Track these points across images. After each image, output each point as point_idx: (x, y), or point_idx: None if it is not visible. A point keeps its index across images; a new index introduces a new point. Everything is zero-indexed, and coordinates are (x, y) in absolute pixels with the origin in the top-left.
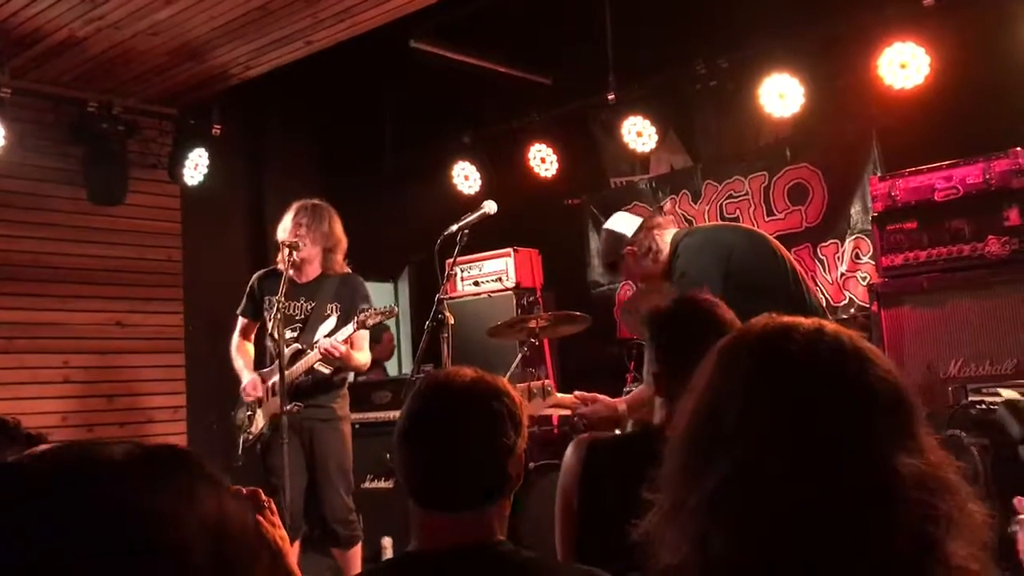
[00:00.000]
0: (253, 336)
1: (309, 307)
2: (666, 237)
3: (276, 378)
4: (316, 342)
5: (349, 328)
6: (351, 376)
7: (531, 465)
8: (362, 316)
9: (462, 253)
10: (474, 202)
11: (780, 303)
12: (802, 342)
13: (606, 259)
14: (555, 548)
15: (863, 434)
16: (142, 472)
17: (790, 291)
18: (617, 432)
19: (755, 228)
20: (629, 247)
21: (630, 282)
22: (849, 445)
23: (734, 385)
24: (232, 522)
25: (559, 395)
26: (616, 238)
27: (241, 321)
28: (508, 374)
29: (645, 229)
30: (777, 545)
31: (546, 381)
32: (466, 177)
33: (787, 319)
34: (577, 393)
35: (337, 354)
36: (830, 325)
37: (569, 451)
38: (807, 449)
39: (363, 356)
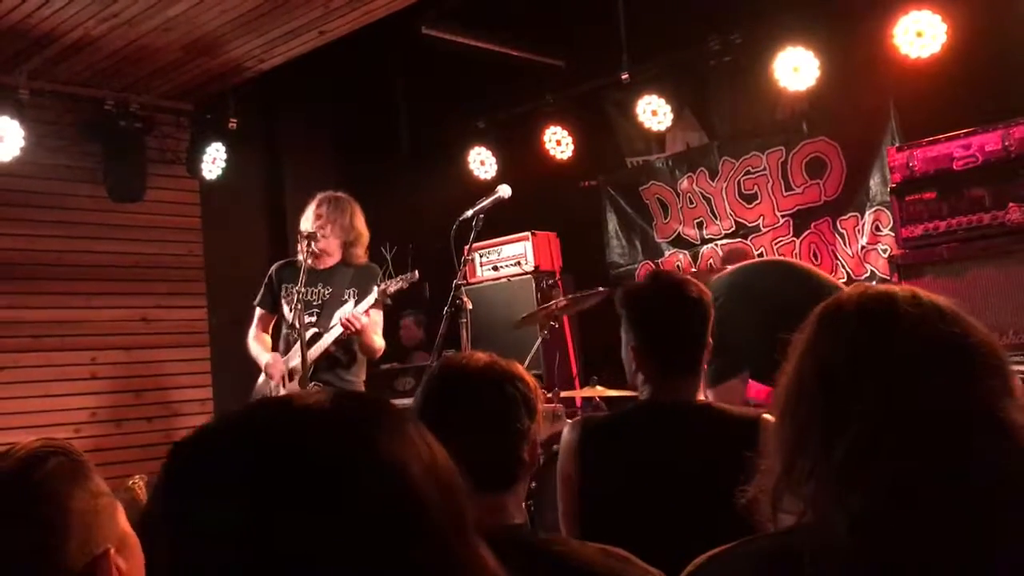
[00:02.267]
0: (271, 328)
1: (327, 292)
2: None
3: (295, 362)
4: (333, 325)
5: (371, 298)
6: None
7: (554, 447)
8: (383, 284)
9: (478, 238)
10: (490, 186)
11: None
12: (905, 305)
13: None
14: None
15: (975, 390)
16: (360, 420)
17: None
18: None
19: (793, 260)
20: None
21: None
22: (964, 399)
23: (841, 349)
24: (446, 467)
25: (568, 421)
26: None
27: (258, 312)
28: (528, 359)
29: None
30: (912, 496)
31: (558, 406)
32: (482, 162)
33: (882, 287)
34: None
35: (358, 325)
36: (924, 292)
37: (566, 432)
38: (926, 408)
39: (379, 340)
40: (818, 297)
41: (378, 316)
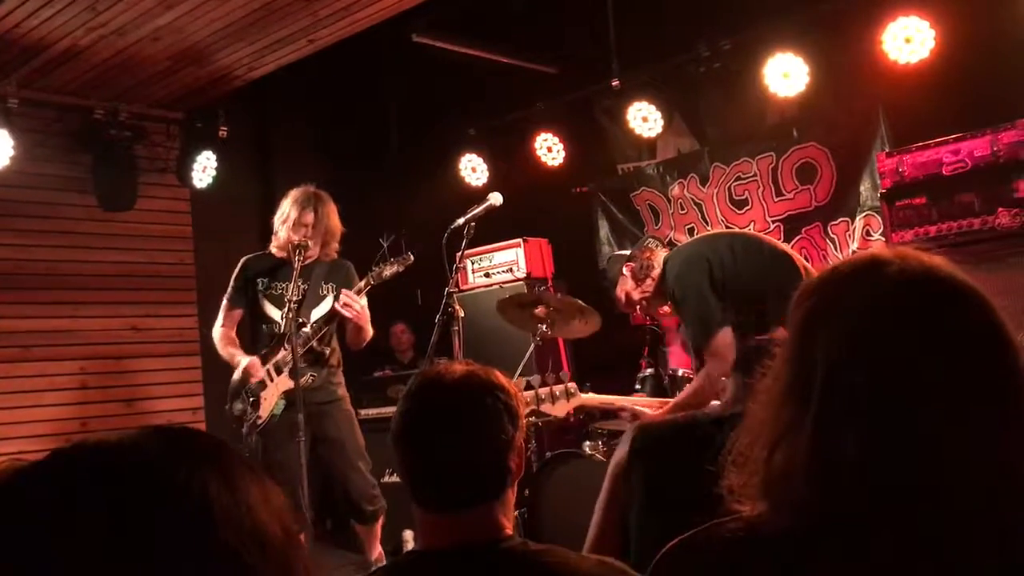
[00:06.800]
0: (236, 327)
1: (304, 288)
2: (659, 257)
3: (279, 356)
4: (314, 320)
5: (363, 281)
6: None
7: (548, 454)
8: (377, 268)
9: (470, 245)
10: (482, 193)
11: (784, 302)
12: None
13: (612, 279)
14: (574, 534)
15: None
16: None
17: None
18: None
19: (746, 230)
20: (628, 263)
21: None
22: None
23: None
24: (276, 516)
25: (584, 396)
26: (618, 258)
27: (226, 306)
28: (521, 366)
29: (640, 250)
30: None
31: (569, 384)
32: (473, 169)
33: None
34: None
35: (357, 308)
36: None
37: (623, 438)
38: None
39: (369, 327)
40: (761, 259)
41: (364, 302)
